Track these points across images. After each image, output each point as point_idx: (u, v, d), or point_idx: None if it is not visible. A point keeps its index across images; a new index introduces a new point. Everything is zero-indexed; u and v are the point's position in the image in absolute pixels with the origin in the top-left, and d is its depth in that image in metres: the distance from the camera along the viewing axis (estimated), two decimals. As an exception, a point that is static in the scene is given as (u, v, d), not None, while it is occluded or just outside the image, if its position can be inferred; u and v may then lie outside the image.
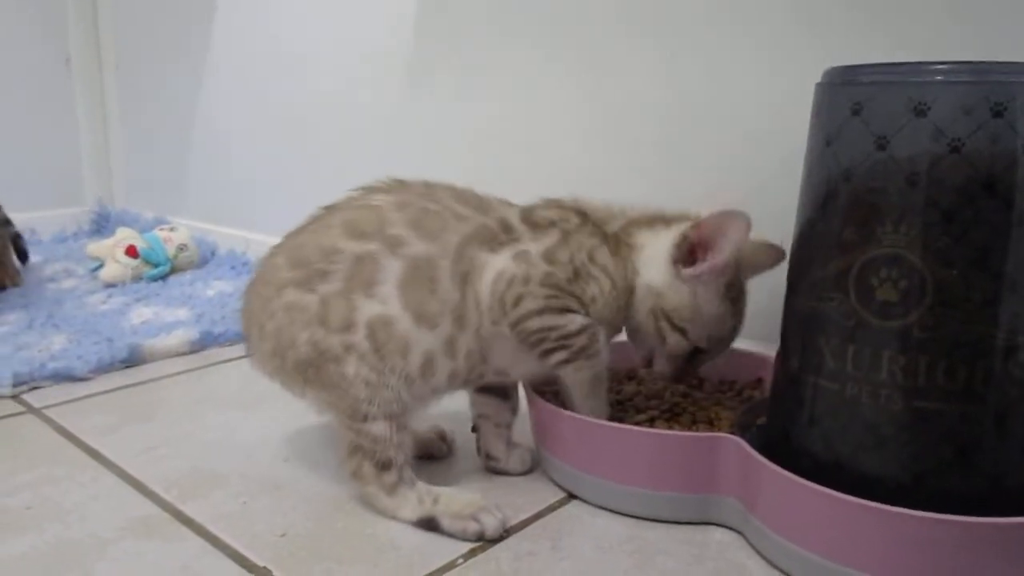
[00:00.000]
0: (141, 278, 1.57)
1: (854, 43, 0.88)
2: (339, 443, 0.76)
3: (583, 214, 0.80)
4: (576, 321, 0.75)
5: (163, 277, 1.59)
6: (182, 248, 1.65)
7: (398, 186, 0.80)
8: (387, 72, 1.40)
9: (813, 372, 0.67)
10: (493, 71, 1.25)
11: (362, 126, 1.48)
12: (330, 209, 0.79)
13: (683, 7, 1.01)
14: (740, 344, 0.95)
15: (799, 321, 0.69)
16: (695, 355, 0.78)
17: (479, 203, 0.79)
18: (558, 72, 1.16)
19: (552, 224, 0.77)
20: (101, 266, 1.58)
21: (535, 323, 0.74)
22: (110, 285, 1.54)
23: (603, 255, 0.77)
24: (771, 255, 0.80)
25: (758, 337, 0.94)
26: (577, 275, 0.75)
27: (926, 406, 0.61)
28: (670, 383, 0.84)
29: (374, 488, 0.75)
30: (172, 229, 1.69)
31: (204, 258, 1.71)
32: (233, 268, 1.65)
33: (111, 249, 1.58)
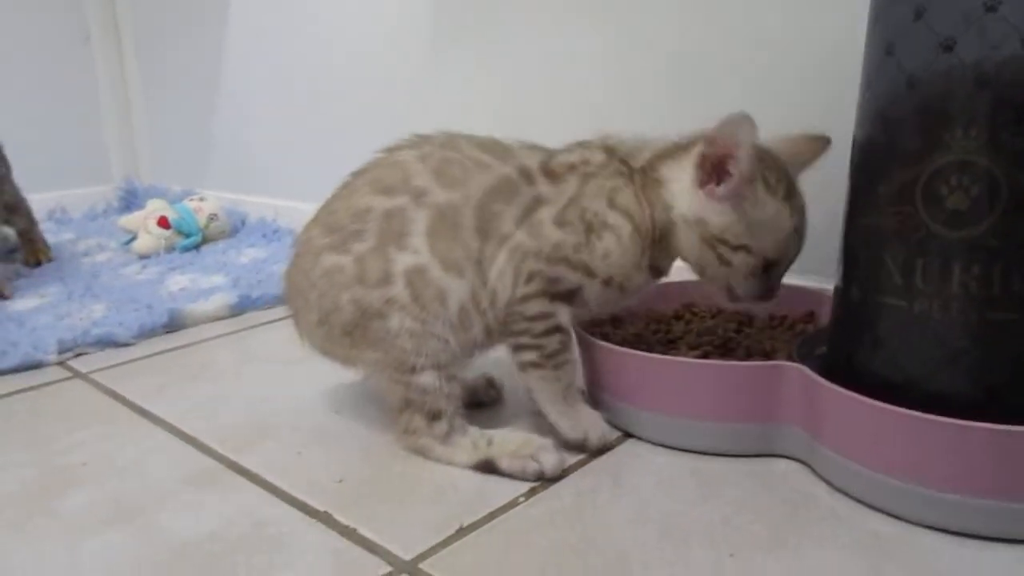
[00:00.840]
0: (174, 248, 1.57)
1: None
2: (390, 401, 0.76)
3: (610, 150, 0.78)
4: (562, 315, 0.74)
5: (195, 247, 1.59)
6: (213, 218, 1.64)
7: (420, 140, 0.80)
8: (410, 34, 1.38)
9: (878, 291, 0.65)
10: (516, 29, 1.22)
11: (386, 89, 1.46)
12: (357, 173, 0.80)
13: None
14: (790, 279, 0.93)
15: (862, 239, 0.67)
16: (770, 269, 0.73)
17: (501, 150, 0.78)
18: (584, 34, 1.13)
19: (572, 168, 0.76)
20: (134, 238, 1.58)
21: (535, 307, 0.73)
22: (143, 257, 1.54)
23: (625, 197, 0.74)
24: (814, 145, 0.76)
25: (809, 271, 0.92)
26: (590, 230, 0.73)
27: (1003, 317, 0.59)
28: (762, 302, 0.75)
29: (427, 440, 0.74)
30: (202, 199, 1.68)
31: (235, 227, 1.71)
32: (264, 236, 1.65)
33: (143, 221, 1.58)
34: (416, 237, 0.73)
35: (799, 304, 0.90)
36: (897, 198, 0.62)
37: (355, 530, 0.65)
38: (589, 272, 0.74)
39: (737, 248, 0.72)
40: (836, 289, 0.73)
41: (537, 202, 0.75)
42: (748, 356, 0.81)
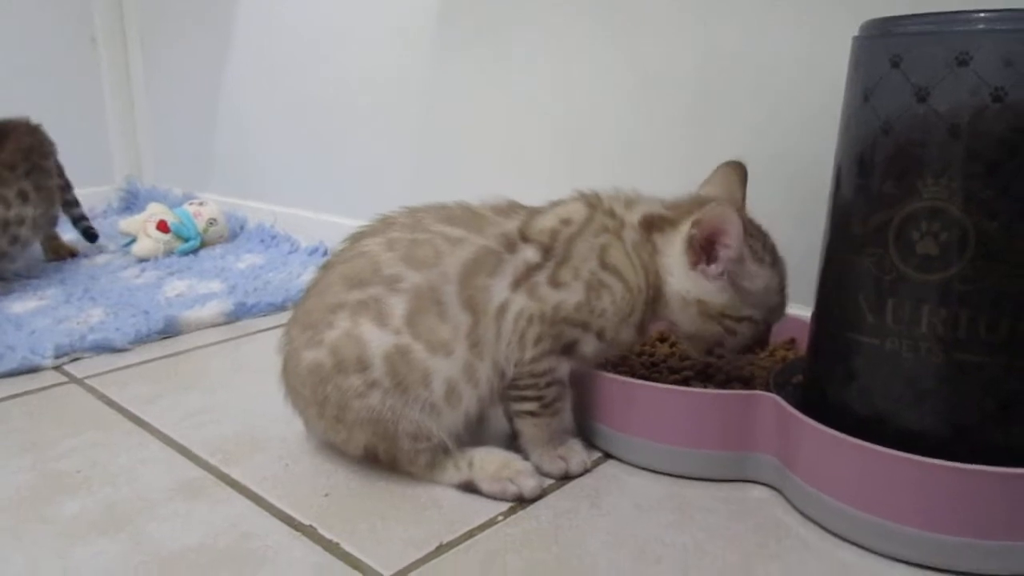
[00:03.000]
0: (173, 252, 1.59)
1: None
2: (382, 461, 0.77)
3: (592, 203, 0.79)
4: (563, 368, 0.76)
5: (194, 251, 1.61)
6: (212, 222, 1.67)
7: (384, 225, 0.79)
8: (416, 44, 1.40)
9: (851, 328, 0.67)
10: (523, 40, 1.24)
11: (390, 100, 1.48)
12: (326, 267, 0.80)
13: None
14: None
15: (837, 277, 0.69)
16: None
17: (472, 220, 0.78)
18: (591, 38, 1.15)
19: (554, 234, 0.76)
20: (133, 241, 1.60)
21: (544, 364, 0.75)
22: (143, 260, 1.56)
23: (616, 254, 0.76)
24: (740, 173, 0.82)
25: (790, 299, 0.94)
26: (589, 288, 0.74)
27: (968, 359, 0.61)
28: (757, 354, 0.81)
29: (410, 468, 0.76)
30: (201, 204, 1.70)
31: (233, 232, 1.73)
32: (262, 241, 1.67)
33: (142, 224, 1.60)
34: (396, 320, 0.73)
35: (780, 330, 0.92)
36: (871, 240, 0.64)
37: (338, 545, 0.67)
38: (586, 328, 0.75)
39: (740, 319, 0.75)
40: (813, 319, 0.75)
41: (528, 268, 0.75)
42: (727, 382, 0.83)
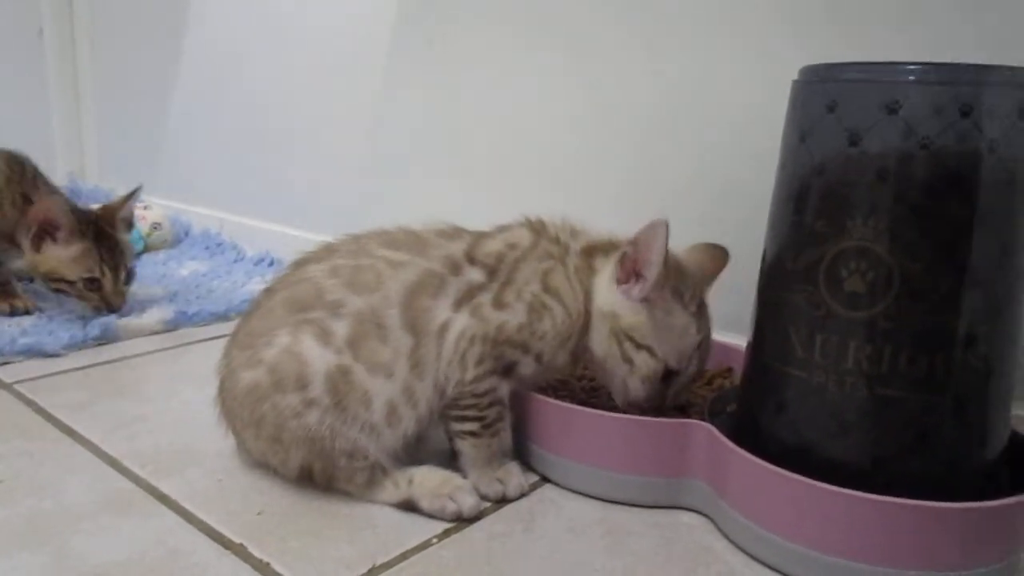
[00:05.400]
0: (113, 256, 1.55)
1: (831, 43, 0.89)
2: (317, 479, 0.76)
3: (536, 229, 0.81)
4: (503, 389, 0.77)
5: (136, 255, 1.58)
6: (156, 227, 1.64)
7: (327, 252, 0.80)
8: (368, 56, 1.40)
9: (782, 360, 0.69)
10: (477, 60, 1.25)
11: (341, 111, 1.47)
12: (268, 291, 0.80)
13: (667, 3, 1.03)
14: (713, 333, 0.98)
15: (770, 311, 0.71)
16: (668, 379, 0.77)
17: (415, 243, 0.79)
18: (542, 63, 1.17)
19: (500, 258, 0.78)
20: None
21: (485, 384, 0.75)
22: (82, 262, 1.52)
23: (558, 278, 0.77)
24: (715, 255, 0.83)
25: (727, 327, 0.96)
26: (531, 311, 0.76)
27: (889, 394, 0.63)
28: (648, 411, 0.77)
29: (347, 487, 0.76)
30: (146, 207, 1.67)
31: (178, 237, 1.70)
32: (207, 248, 1.64)
33: (83, 226, 1.56)
34: (338, 340, 0.74)
35: (718, 359, 0.94)
36: (803, 276, 0.66)
37: (268, 564, 0.66)
38: (526, 349, 0.76)
39: (640, 347, 0.76)
40: (747, 349, 0.77)
41: (471, 288, 0.76)
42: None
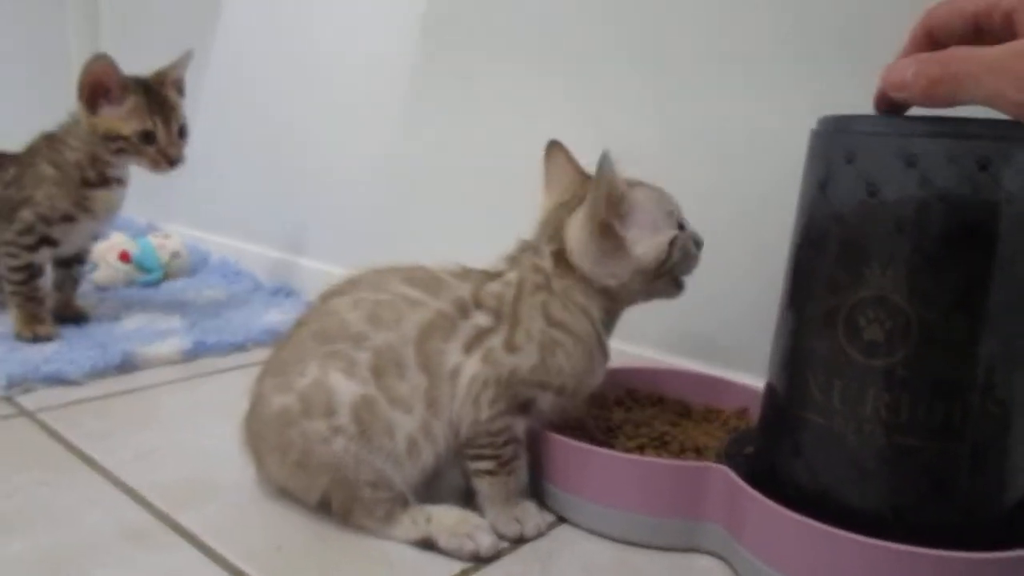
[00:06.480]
0: (133, 283, 1.58)
1: (844, 88, 0.90)
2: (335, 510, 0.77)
3: (511, 260, 0.83)
4: (519, 426, 0.77)
5: (155, 283, 1.60)
6: (175, 255, 1.66)
7: (349, 286, 0.82)
8: (388, 92, 1.42)
9: (800, 406, 0.69)
10: (497, 98, 1.26)
11: (359, 144, 1.49)
12: (299, 323, 0.82)
13: (678, 47, 1.04)
14: (726, 374, 0.98)
15: (789, 356, 0.72)
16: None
17: (431, 282, 0.80)
18: (563, 104, 1.18)
19: (500, 299, 0.79)
20: (94, 269, 1.58)
21: (500, 423, 0.76)
22: (102, 288, 1.55)
23: (555, 307, 0.78)
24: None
25: (744, 368, 0.97)
26: (542, 349, 0.77)
27: (907, 442, 0.63)
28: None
29: (365, 521, 0.76)
30: (166, 236, 1.69)
31: (196, 266, 1.72)
32: (225, 277, 1.66)
33: (104, 253, 1.59)
34: (363, 371, 0.75)
35: (733, 400, 0.95)
36: (822, 323, 0.67)
37: (286, 600, 0.66)
38: (544, 387, 0.77)
39: (669, 260, 0.80)
40: (765, 393, 0.77)
41: (479, 332, 0.77)
42: (682, 451, 0.85)
